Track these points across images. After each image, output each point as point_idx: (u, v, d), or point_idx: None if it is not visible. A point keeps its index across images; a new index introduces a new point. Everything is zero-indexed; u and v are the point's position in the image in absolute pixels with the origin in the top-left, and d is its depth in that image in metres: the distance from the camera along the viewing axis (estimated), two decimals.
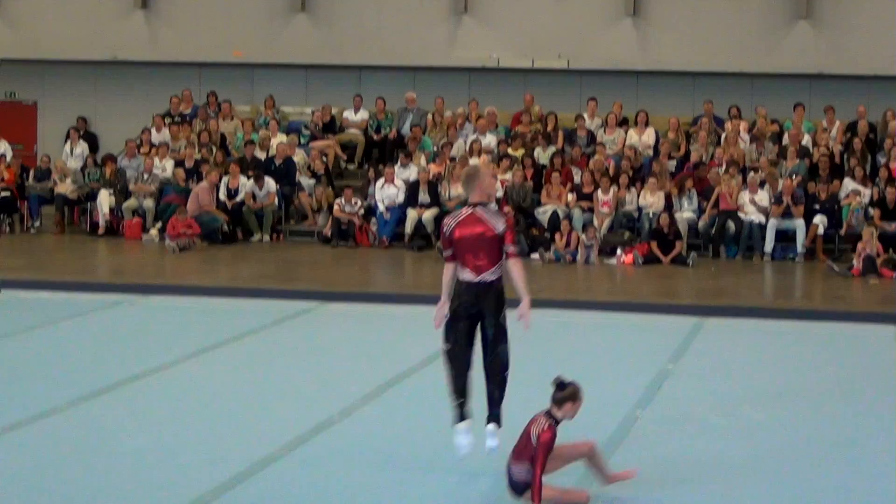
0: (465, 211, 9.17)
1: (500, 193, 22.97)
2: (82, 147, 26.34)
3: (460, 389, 9.11)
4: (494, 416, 9.11)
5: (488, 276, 9.01)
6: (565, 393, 8.43)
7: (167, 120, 26.37)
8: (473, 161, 23.88)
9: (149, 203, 24.28)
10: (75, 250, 22.86)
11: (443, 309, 9.15)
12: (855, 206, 22.18)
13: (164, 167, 24.86)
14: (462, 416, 9.16)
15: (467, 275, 9.05)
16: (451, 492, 9.19)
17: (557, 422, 8.55)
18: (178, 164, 24.88)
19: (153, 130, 26.12)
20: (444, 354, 9.15)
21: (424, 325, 15.87)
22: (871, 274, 20.27)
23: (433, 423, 11.02)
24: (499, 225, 9.05)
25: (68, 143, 26.46)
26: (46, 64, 28.44)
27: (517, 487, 8.58)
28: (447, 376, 9.13)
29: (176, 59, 27.67)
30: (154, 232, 23.71)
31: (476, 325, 9.10)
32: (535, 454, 8.46)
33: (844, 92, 25.08)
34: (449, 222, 9.21)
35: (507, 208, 22.40)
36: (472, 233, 9.05)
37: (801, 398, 12.33)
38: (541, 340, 15.04)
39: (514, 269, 9.00)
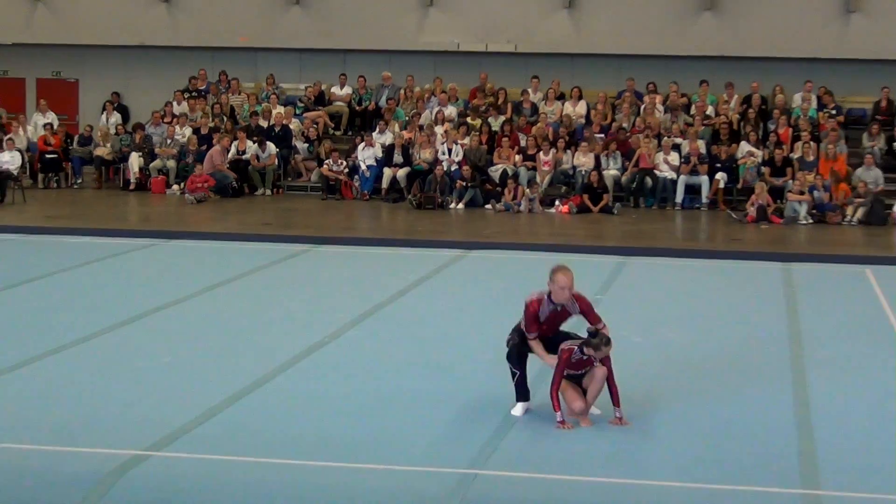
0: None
1: (459, 157, 22.88)
2: (116, 117, 26.06)
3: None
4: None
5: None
6: (594, 341, 8.45)
7: (186, 95, 26.10)
8: (438, 129, 23.75)
9: (171, 163, 24.08)
10: (110, 203, 22.62)
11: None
12: (750, 165, 22.19)
13: (184, 134, 24.65)
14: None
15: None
16: (421, 389, 9.26)
17: (583, 351, 8.48)
18: (195, 131, 24.67)
19: (174, 103, 25.85)
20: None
21: (399, 264, 15.96)
22: (762, 221, 20.36)
23: (407, 341, 11.08)
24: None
25: (104, 114, 26.17)
26: (86, 48, 28.07)
27: None
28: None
29: (193, 44, 27.36)
30: (176, 188, 23.54)
31: None
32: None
33: (742, 71, 24.98)
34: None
35: (465, 167, 22.31)
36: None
37: (706, 321, 12.44)
38: (490, 277, 15.09)
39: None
